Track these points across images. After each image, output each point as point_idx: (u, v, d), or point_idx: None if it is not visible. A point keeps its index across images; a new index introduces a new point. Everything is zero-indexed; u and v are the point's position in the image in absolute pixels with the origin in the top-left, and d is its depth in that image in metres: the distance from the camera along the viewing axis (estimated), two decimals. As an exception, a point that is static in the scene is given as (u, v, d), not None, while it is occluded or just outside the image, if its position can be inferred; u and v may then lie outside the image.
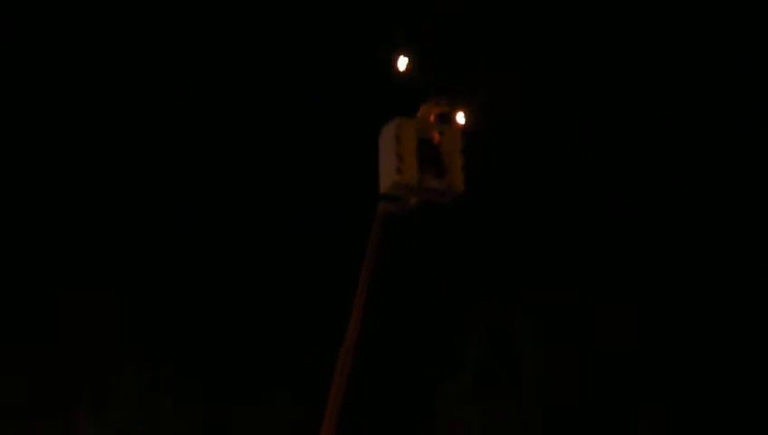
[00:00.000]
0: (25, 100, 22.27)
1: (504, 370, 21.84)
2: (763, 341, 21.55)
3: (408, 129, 16.79)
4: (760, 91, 21.73)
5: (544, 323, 21.90)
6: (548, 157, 22.48)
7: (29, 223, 21.98)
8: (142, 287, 22.23)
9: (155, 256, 22.44)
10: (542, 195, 22.47)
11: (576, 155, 22.57)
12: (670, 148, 22.47)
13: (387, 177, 16.73)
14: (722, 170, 22.21)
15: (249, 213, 22.58)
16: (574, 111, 22.71)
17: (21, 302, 21.57)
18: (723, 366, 21.63)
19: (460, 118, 17.35)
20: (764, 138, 21.85)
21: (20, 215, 21.90)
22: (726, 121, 22.05)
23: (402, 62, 17.90)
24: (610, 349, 21.72)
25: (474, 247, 22.16)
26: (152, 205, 22.55)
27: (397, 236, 16.90)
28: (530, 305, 21.98)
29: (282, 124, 22.99)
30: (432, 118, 17.40)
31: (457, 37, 21.90)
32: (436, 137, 17.11)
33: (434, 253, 21.58)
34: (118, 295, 22.12)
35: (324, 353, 17.16)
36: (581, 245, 22.25)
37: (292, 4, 22.75)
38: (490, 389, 21.71)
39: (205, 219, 22.65)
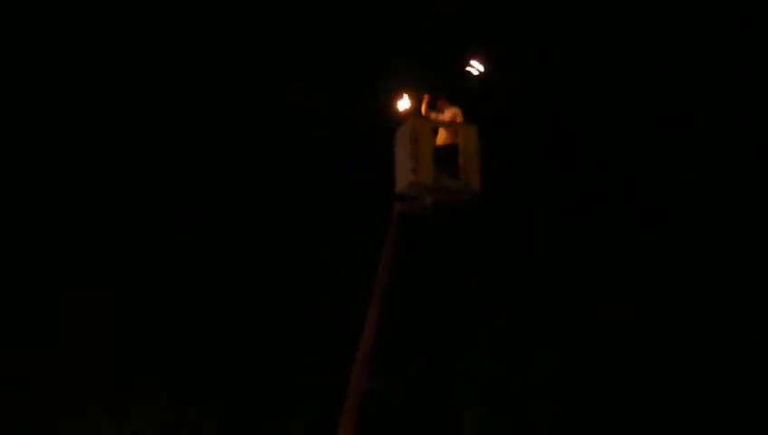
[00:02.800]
0: (26, 100, 22.19)
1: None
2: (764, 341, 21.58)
3: (423, 129, 16.80)
4: (760, 91, 21.85)
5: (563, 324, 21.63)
6: (554, 154, 22.49)
7: (29, 223, 21.84)
8: (142, 287, 22.10)
9: (155, 256, 22.33)
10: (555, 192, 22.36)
11: (576, 158, 22.59)
12: (670, 147, 22.55)
13: (403, 177, 16.75)
14: (722, 170, 22.28)
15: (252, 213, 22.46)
16: (573, 115, 22.79)
17: (21, 302, 21.39)
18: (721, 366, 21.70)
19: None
20: (764, 138, 21.96)
21: (20, 215, 21.76)
22: (726, 121, 22.15)
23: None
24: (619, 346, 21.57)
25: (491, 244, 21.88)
26: (152, 205, 22.44)
27: (414, 235, 16.76)
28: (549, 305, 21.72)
29: (282, 124, 22.95)
30: (445, 116, 17.33)
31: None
32: (452, 136, 17.03)
33: (452, 250, 21.37)
34: (118, 295, 21.97)
35: (337, 359, 17.07)
36: (591, 242, 22.15)
37: (294, 8, 22.80)
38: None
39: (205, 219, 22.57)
